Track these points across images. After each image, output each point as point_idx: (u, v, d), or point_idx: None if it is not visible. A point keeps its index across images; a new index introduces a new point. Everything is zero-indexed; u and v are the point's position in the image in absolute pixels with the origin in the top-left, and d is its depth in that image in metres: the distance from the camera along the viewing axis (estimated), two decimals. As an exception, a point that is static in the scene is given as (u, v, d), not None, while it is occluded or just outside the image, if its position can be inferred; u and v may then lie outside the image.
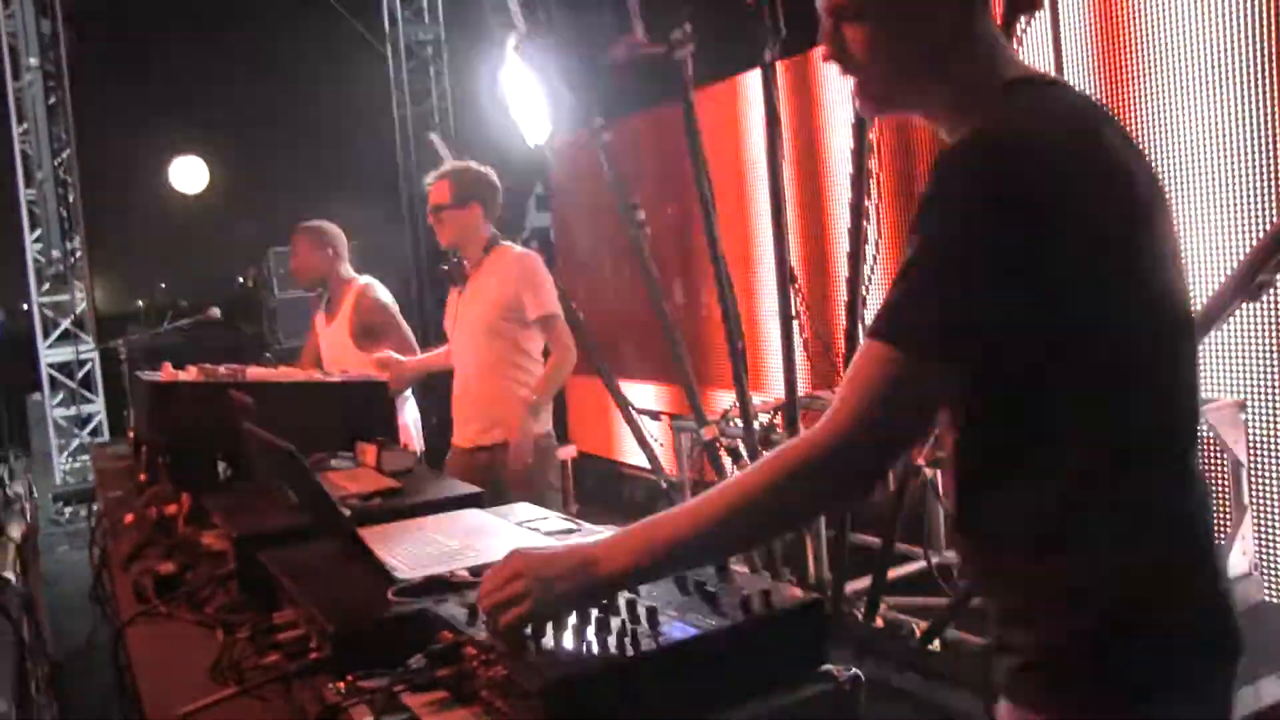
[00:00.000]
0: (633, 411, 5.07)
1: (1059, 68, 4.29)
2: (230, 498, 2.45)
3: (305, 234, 4.48)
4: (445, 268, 4.00)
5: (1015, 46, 3.13)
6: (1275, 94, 3.73)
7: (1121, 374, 1.27)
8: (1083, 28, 4.33)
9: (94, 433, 9.64)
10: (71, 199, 9.50)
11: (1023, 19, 3.09)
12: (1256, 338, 3.89)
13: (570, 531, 1.99)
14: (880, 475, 1.37)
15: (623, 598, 1.41)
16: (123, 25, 13.51)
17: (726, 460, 4.40)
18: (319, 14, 10.42)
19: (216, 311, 5.24)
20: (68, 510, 8.90)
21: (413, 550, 1.85)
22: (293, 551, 1.98)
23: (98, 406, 9.68)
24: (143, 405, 3.06)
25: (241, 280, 10.94)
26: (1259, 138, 3.81)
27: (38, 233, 9.41)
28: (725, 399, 4.97)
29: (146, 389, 2.95)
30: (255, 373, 3.05)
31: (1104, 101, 4.13)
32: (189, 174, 13.09)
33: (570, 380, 4.00)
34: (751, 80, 5.80)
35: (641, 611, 1.37)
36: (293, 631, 1.77)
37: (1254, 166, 3.83)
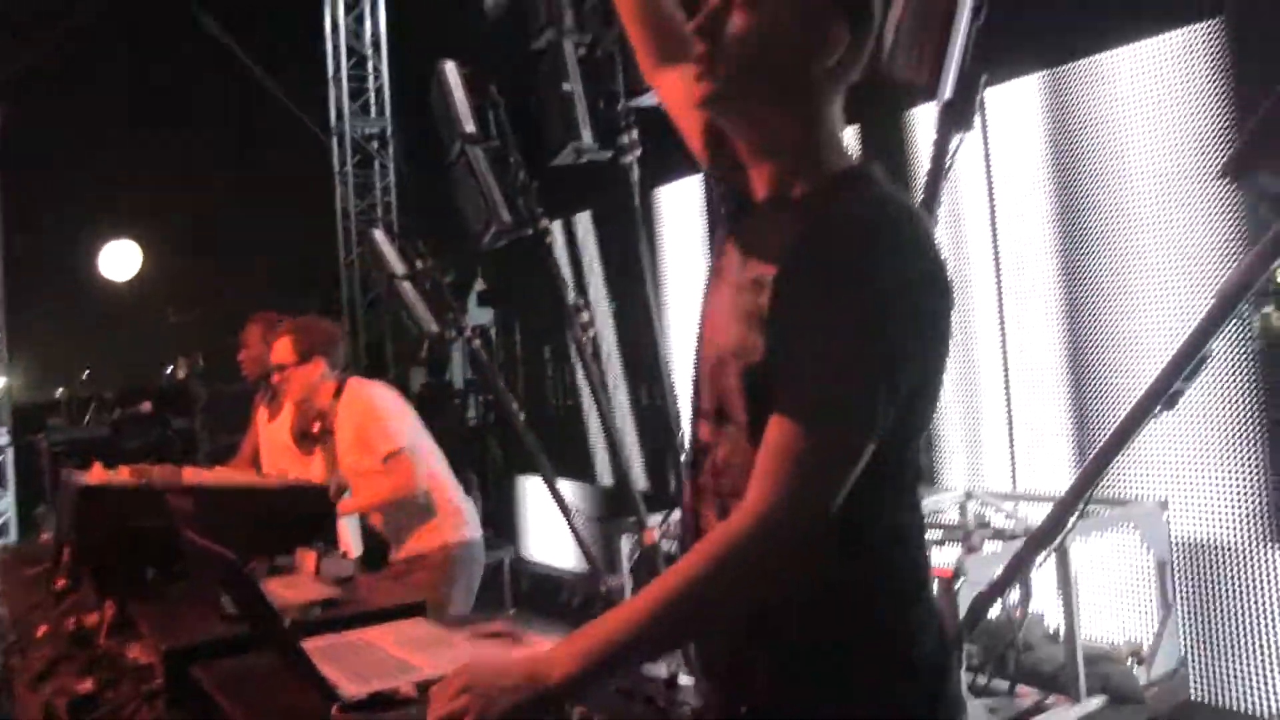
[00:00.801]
0: (571, 514, 5.03)
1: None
2: (159, 606, 2.36)
3: (259, 324, 4.43)
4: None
5: (949, 164, 3.24)
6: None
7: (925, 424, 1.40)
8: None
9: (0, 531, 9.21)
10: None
11: (958, 137, 3.20)
12: (1176, 439, 4.03)
13: (511, 639, 1.96)
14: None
15: (575, 711, 1.38)
16: (62, 108, 13.44)
17: (664, 565, 4.38)
18: (265, 103, 10.46)
19: (148, 406, 5.13)
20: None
21: (356, 664, 1.79)
22: (228, 665, 1.90)
23: (6, 503, 9.27)
24: (69, 507, 2.96)
25: (170, 370, 10.70)
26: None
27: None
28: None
29: (74, 490, 2.85)
30: (191, 474, 2.97)
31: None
32: (120, 259, 12.91)
33: (511, 480, 4.00)
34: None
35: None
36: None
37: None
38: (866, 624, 1.37)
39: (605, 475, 6.60)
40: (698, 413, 1.52)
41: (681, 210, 6.28)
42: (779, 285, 1.33)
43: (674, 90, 1.73)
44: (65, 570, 3.03)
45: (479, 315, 10.08)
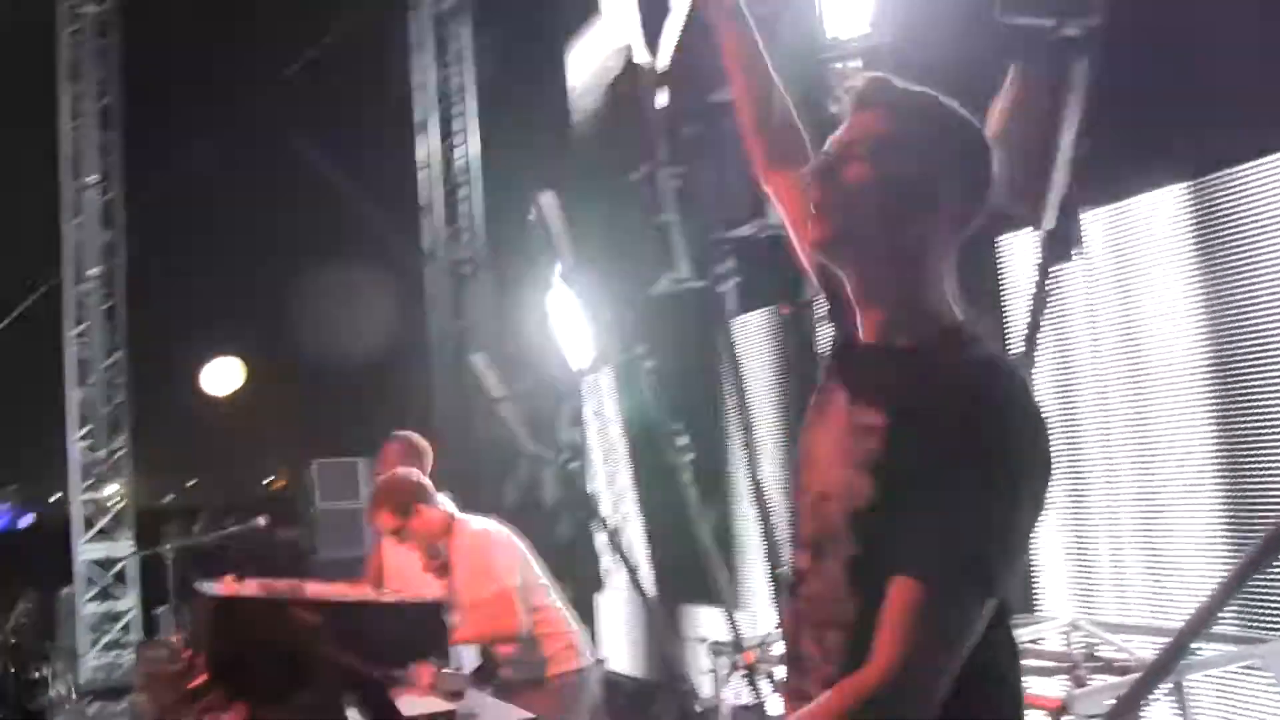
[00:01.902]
0: (673, 632, 5.04)
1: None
2: (286, 714, 2.48)
3: (398, 444, 4.59)
4: None
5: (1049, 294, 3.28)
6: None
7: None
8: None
9: (124, 629, 9.54)
10: (118, 399, 9.77)
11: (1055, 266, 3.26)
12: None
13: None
14: None
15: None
16: (177, 232, 14.23)
17: (765, 685, 4.37)
18: (361, 227, 10.92)
19: (263, 521, 5.36)
20: (94, 705, 8.74)
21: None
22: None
23: (130, 604, 9.61)
24: (203, 617, 3.12)
25: (270, 481, 11.03)
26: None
27: (86, 429, 9.59)
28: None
29: (208, 602, 3.02)
30: (315, 589, 3.12)
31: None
32: (223, 374, 13.39)
33: (600, 596, 4.08)
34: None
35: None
36: None
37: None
38: None
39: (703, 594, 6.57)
40: (797, 542, 1.57)
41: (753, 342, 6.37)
42: (892, 437, 1.39)
43: (786, 194, 1.76)
44: (198, 673, 3.19)
45: (569, 433, 10.23)
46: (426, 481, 4.06)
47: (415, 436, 4.69)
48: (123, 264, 9.84)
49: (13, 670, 7.52)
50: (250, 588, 3.16)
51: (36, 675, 7.94)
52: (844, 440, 1.46)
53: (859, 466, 1.41)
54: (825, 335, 4.76)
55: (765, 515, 4.34)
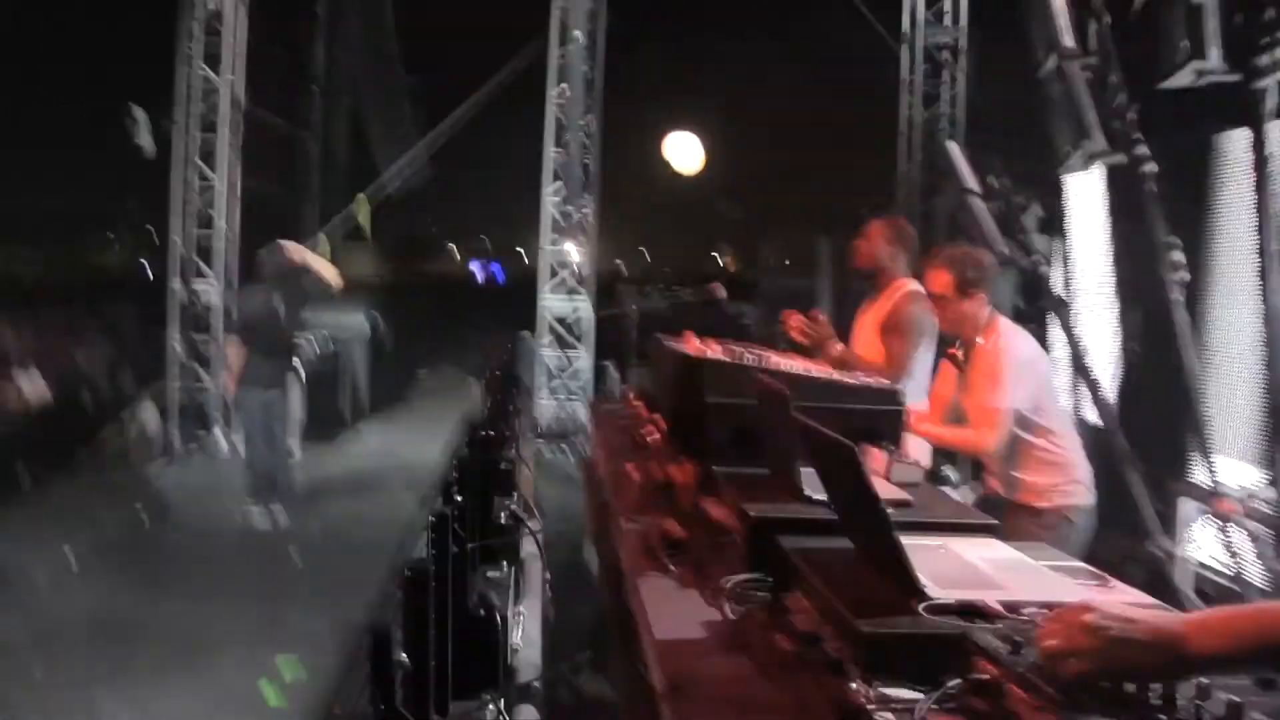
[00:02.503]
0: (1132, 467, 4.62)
1: None
2: (743, 476, 2.56)
3: (882, 224, 4.49)
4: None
5: None
6: None
7: None
8: None
9: (574, 378, 10.49)
10: (588, 162, 10.43)
11: None
12: None
13: (1101, 582, 1.87)
14: None
15: (1194, 683, 1.29)
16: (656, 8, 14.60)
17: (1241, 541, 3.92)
18: (835, 9, 10.57)
19: (722, 290, 5.52)
20: (545, 449, 9.85)
21: (937, 568, 1.81)
22: (810, 542, 2.03)
23: (583, 356, 10.51)
24: (666, 373, 3.28)
25: (715, 256, 11.42)
26: None
27: (556, 186, 10.35)
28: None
29: (673, 358, 3.16)
30: (776, 361, 3.16)
31: None
32: (684, 149, 13.76)
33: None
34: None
35: (1219, 701, 1.25)
36: (805, 621, 1.81)
37: None
38: None
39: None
40: None
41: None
42: None
43: None
44: (655, 426, 3.42)
45: (1038, 240, 9.59)
46: (995, 276, 3.89)
47: (903, 221, 4.54)
48: (603, 29, 10.25)
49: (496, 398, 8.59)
50: (713, 350, 3.27)
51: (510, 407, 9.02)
52: None
53: None
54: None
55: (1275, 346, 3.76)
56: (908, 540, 1.84)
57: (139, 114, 9.59)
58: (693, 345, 3.37)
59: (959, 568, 1.88)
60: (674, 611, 2.01)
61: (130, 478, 7.66)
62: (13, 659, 4.69)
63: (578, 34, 10.07)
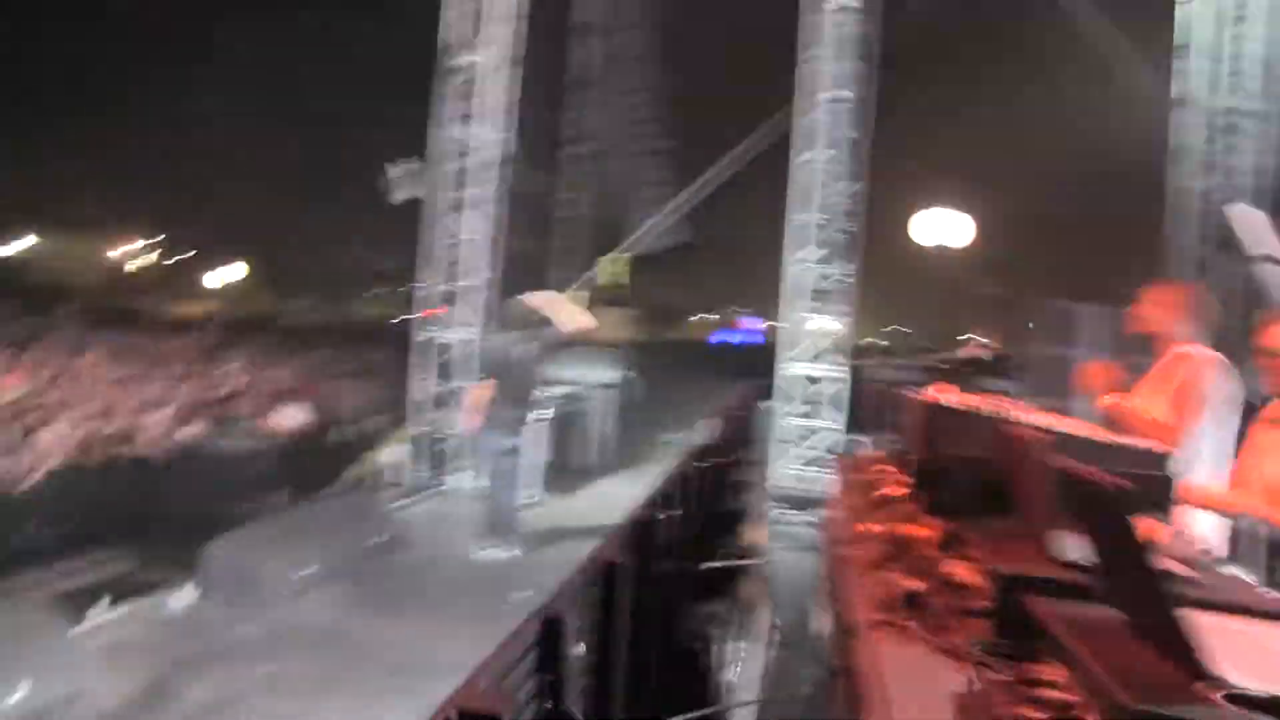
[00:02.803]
0: None
1: None
2: (991, 532, 2.33)
3: (1164, 289, 4.18)
4: None
5: None
6: None
7: None
8: None
9: (815, 446, 10.17)
10: (853, 227, 10.16)
11: None
12: None
13: None
14: None
15: None
16: (929, 66, 14.28)
17: None
18: (1096, 71, 10.04)
19: (983, 348, 5.22)
20: (780, 515, 9.62)
21: (1244, 653, 1.54)
22: (1066, 606, 1.79)
23: (826, 423, 10.17)
24: (911, 422, 3.08)
25: (968, 339, 10.93)
26: None
27: (806, 250, 10.14)
28: None
29: (921, 407, 2.96)
30: (1027, 414, 2.91)
31: None
32: (942, 227, 13.31)
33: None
34: None
35: None
36: (1057, 692, 1.59)
37: None
38: None
39: None
40: None
41: None
42: None
43: None
44: (893, 481, 3.21)
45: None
46: None
47: (1196, 285, 4.17)
48: (870, 94, 10.03)
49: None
50: (962, 399, 3.04)
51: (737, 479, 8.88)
52: None
53: None
54: None
55: None
56: (1216, 618, 1.59)
57: (401, 168, 10.21)
58: (940, 393, 3.16)
59: (1262, 655, 1.59)
60: (909, 674, 1.82)
61: (374, 508, 8.06)
62: (245, 659, 5.06)
63: (845, 93, 9.96)
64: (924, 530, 2.60)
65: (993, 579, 2.00)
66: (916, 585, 2.22)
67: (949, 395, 3.16)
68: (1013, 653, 1.79)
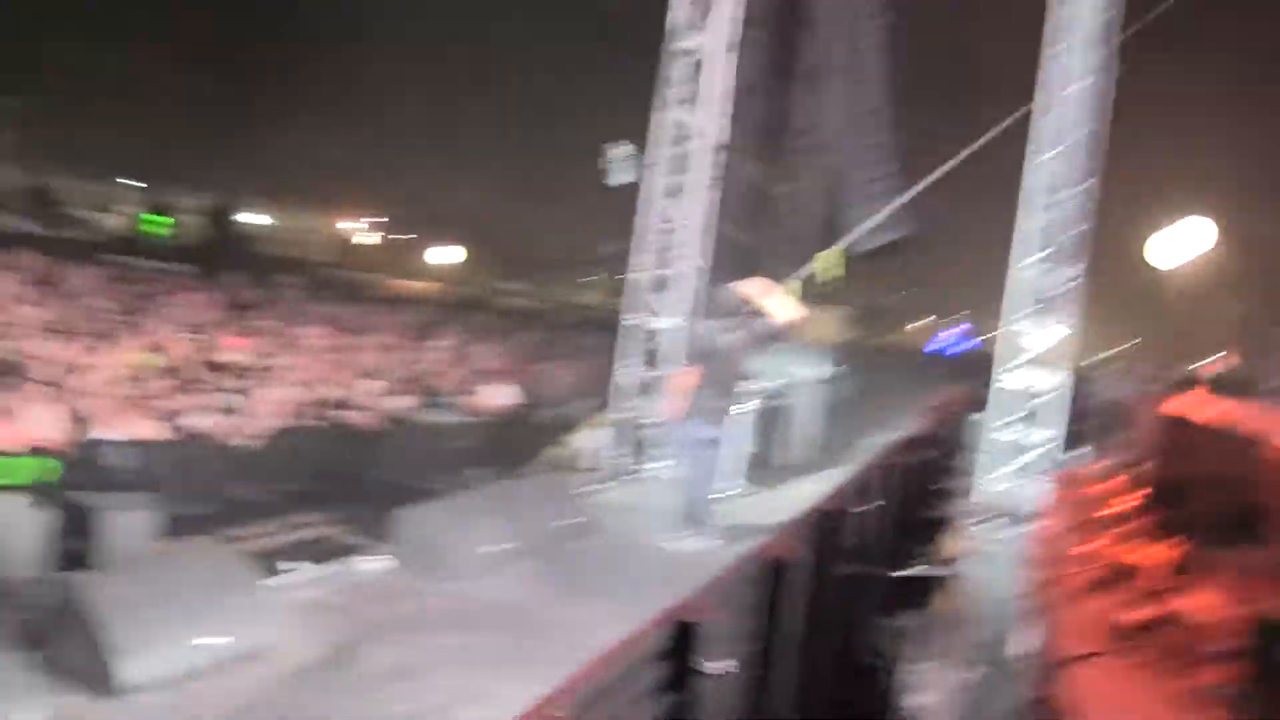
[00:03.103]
0: None
1: None
2: (1242, 562, 2.01)
3: None
4: None
5: None
6: None
7: None
8: None
9: (1029, 459, 9.50)
10: (1085, 225, 9.45)
11: None
12: None
13: None
14: None
15: None
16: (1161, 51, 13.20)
17: None
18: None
19: (1234, 357, 4.71)
20: (983, 529, 9.05)
21: None
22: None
23: (1045, 434, 9.41)
24: (1151, 435, 2.75)
25: (1210, 362, 9.98)
26: None
27: (1034, 255, 9.50)
28: None
29: (1162, 421, 2.62)
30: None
31: None
32: (1186, 241, 12.25)
33: None
34: None
35: None
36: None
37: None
38: None
39: None
40: None
41: None
42: None
43: None
44: (1122, 497, 2.87)
45: None
46: None
47: None
48: (1110, 85, 9.35)
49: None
50: (1214, 411, 2.67)
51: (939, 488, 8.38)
52: None
53: None
54: None
55: None
56: None
57: (621, 150, 10.20)
58: (1193, 401, 2.80)
59: None
60: (1119, 709, 1.56)
61: (570, 490, 8.08)
62: (430, 629, 5.15)
63: (1087, 84, 9.29)
64: (1156, 554, 2.29)
65: (1252, 617, 1.70)
66: (1142, 616, 1.93)
67: (1201, 405, 2.79)
68: (1270, 711, 1.50)
